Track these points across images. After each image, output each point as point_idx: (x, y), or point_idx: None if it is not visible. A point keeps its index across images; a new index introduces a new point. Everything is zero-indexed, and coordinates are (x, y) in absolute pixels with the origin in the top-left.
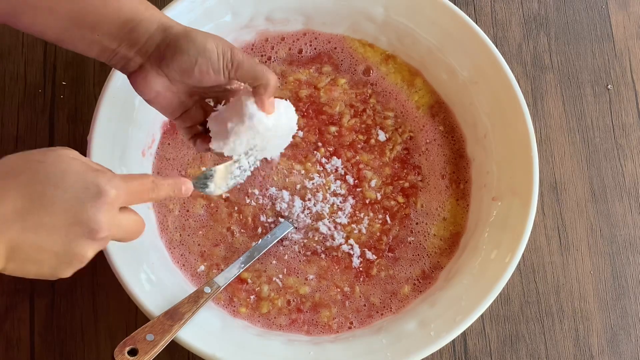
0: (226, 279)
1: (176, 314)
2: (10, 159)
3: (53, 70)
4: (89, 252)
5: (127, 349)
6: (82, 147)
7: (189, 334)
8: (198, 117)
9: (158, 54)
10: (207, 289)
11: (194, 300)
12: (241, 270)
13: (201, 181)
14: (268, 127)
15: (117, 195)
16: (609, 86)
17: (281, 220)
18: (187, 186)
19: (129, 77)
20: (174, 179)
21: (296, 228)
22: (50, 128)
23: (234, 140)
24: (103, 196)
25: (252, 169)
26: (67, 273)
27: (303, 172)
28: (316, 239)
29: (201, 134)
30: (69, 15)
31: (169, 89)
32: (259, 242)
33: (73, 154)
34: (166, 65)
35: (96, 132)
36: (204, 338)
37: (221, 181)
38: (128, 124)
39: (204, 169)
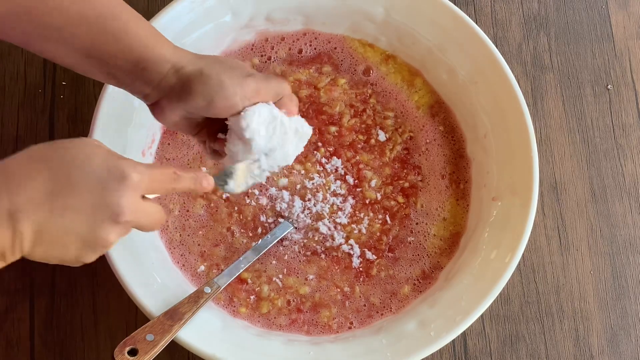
0: (226, 279)
1: (176, 314)
2: (38, 146)
3: (53, 70)
4: (112, 236)
5: (127, 349)
6: None
7: (189, 334)
8: (216, 130)
9: (173, 94)
10: (207, 289)
11: (194, 301)
12: (241, 270)
13: (222, 178)
14: (285, 123)
15: (140, 181)
16: (609, 86)
17: (281, 220)
18: (209, 180)
19: (148, 107)
20: (195, 172)
21: (296, 228)
22: (50, 128)
23: (252, 141)
24: (126, 180)
25: (271, 170)
26: (91, 258)
27: (303, 172)
28: (316, 239)
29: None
30: (82, 49)
31: (187, 118)
32: (259, 242)
33: (98, 142)
34: (183, 105)
35: (96, 132)
36: (204, 338)
37: (241, 179)
38: (128, 124)
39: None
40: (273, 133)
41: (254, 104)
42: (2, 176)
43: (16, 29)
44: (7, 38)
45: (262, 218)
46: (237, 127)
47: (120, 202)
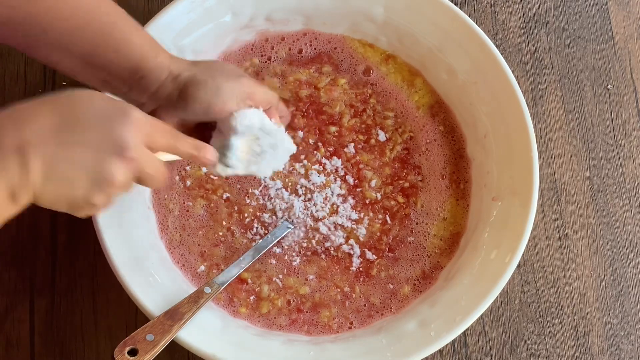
0: (226, 279)
1: (176, 314)
2: (43, 96)
3: (53, 70)
4: (118, 173)
5: (127, 349)
6: None
7: (189, 334)
8: (208, 135)
9: (169, 102)
10: (207, 289)
11: (194, 301)
12: (241, 270)
13: (222, 151)
14: (272, 132)
15: (143, 121)
16: (608, 86)
17: (281, 220)
18: (211, 152)
19: None
20: (196, 140)
21: (295, 228)
22: None
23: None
24: (130, 116)
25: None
26: (99, 199)
27: (303, 172)
28: (316, 239)
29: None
30: (81, 56)
31: (181, 125)
32: (259, 242)
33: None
34: (180, 112)
35: None
36: (204, 338)
37: (241, 159)
38: None
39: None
40: (258, 139)
41: (249, 106)
42: (11, 116)
43: (17, 34)
44: (7, 42)
45: (263, 218)
46: (225, 127)
47: (124, 136)
